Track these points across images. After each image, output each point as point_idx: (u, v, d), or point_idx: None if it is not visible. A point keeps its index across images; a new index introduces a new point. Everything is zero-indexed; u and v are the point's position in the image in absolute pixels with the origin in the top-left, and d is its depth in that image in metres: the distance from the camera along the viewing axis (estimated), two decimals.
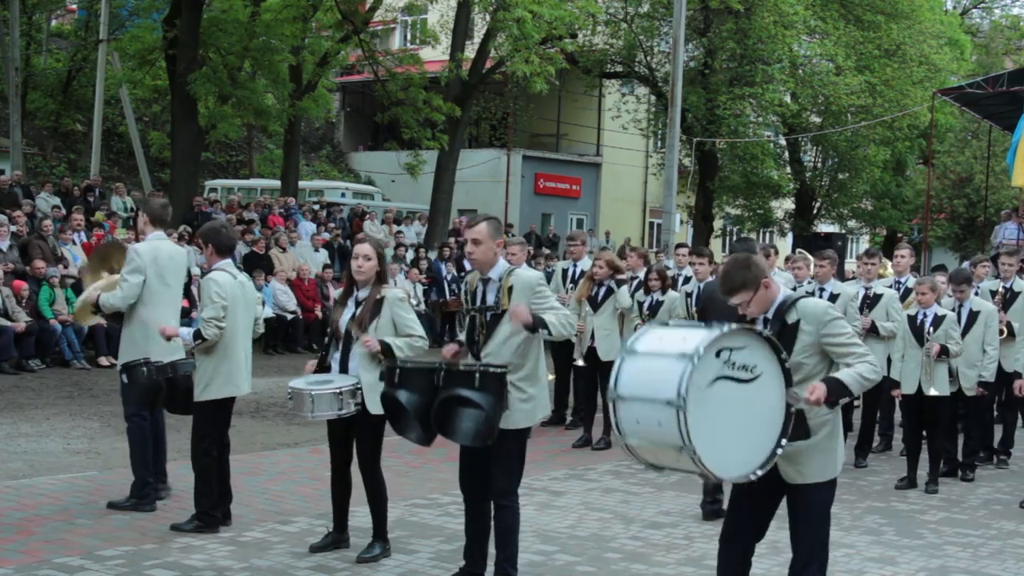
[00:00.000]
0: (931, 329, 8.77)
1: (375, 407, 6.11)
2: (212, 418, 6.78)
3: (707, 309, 7.63)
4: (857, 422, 10.18)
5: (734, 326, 4.44)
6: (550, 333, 5.71)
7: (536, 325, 5.60)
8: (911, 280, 10.52)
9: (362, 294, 6.33)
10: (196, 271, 16.89)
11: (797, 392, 4.46)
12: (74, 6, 33.81)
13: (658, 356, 4.39)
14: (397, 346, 6.13)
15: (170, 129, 22.72)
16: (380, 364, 6.05)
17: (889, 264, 11.93)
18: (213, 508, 6.77)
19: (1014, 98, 21.38)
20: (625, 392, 4.38)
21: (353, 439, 6.41)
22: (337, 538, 6.54)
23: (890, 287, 10.42)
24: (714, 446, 4.23)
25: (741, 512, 4.82)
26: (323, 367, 6.40)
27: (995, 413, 10.47)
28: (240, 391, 6.84)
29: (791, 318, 4.65)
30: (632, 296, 10.35)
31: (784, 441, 4.46)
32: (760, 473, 4.43)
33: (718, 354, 4.31)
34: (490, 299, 5.77)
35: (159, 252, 7.31)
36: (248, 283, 7.00)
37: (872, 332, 9.57)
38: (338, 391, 6.09)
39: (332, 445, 6.51)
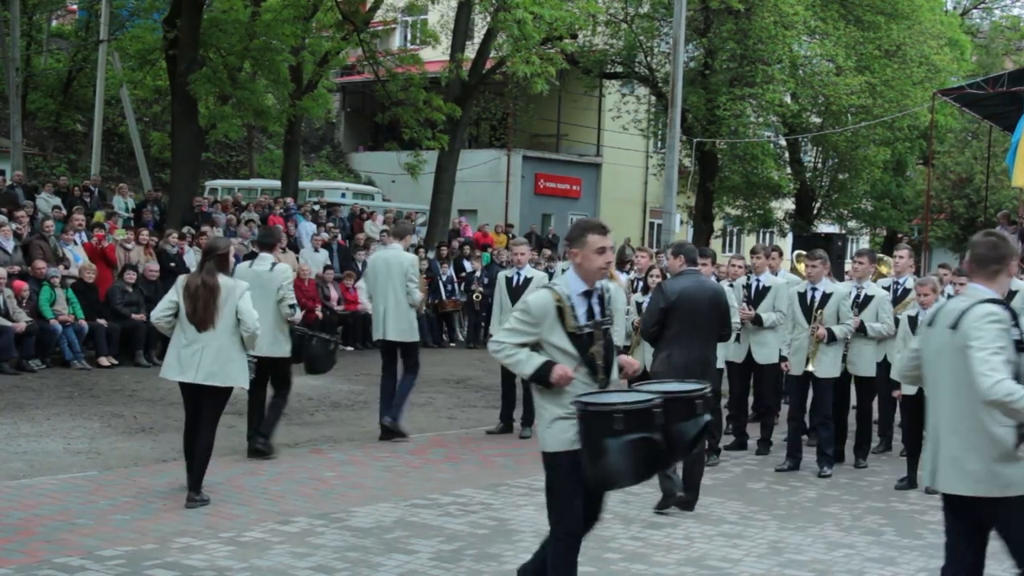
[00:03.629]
0: None
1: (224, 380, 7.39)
2: None
3: (675, 309, 7.61)
4: (853, 424, 10.19)
5: None
6: None
7: None
8: (910, 280, 10.53)
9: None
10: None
11: None
12: (74, 6, 33.81)
13: None
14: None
15: (170, 129, 22.70)
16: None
17: (892, 263, 11.90)
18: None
19: (1014, 98, 21.37)
20: None
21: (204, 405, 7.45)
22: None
23: (888, 288, 10.43)
24: None
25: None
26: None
27: None
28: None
29: None
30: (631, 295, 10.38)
31: None
32: None
33: None
34: (598, 313, 5.13)
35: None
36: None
37: (860, 332, 9.57)
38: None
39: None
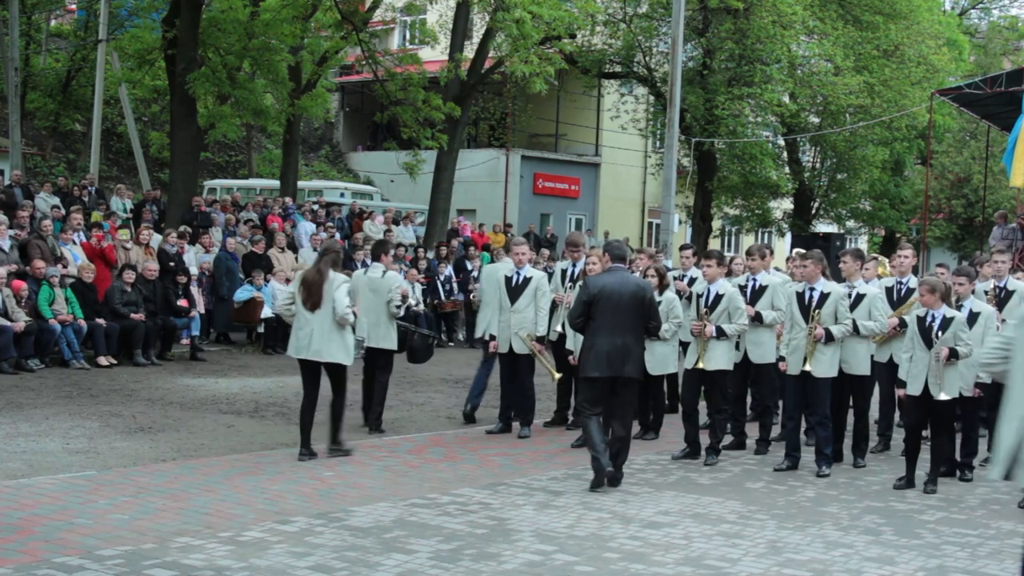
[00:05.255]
0: (939, 332, 8.67)
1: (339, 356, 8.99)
2: None
3: (597, 302, 8.37)
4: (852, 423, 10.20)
5: None
6: None
7: None
8: (912, 280, 10.50)
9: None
10: (194, 271, 16.94)
11: None
12: (73, 6, 33.81)
13: None
14: None
15: (169, 129, 22.70)
16: None
17: (888, 263, 11.89)
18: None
19: (1012, 98, 21.39)
20: None
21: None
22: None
23: (891, 288, 10.43)
24: None
25: None
26: None
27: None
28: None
29: None
30: None
31: None
32: None
33: None
34: None
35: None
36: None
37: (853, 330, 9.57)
38: None
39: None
